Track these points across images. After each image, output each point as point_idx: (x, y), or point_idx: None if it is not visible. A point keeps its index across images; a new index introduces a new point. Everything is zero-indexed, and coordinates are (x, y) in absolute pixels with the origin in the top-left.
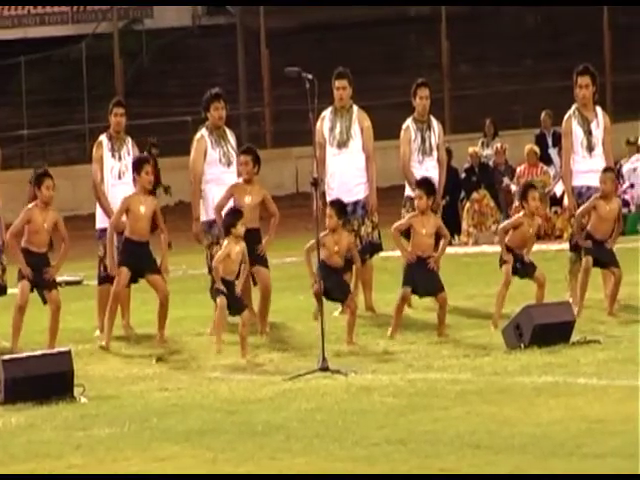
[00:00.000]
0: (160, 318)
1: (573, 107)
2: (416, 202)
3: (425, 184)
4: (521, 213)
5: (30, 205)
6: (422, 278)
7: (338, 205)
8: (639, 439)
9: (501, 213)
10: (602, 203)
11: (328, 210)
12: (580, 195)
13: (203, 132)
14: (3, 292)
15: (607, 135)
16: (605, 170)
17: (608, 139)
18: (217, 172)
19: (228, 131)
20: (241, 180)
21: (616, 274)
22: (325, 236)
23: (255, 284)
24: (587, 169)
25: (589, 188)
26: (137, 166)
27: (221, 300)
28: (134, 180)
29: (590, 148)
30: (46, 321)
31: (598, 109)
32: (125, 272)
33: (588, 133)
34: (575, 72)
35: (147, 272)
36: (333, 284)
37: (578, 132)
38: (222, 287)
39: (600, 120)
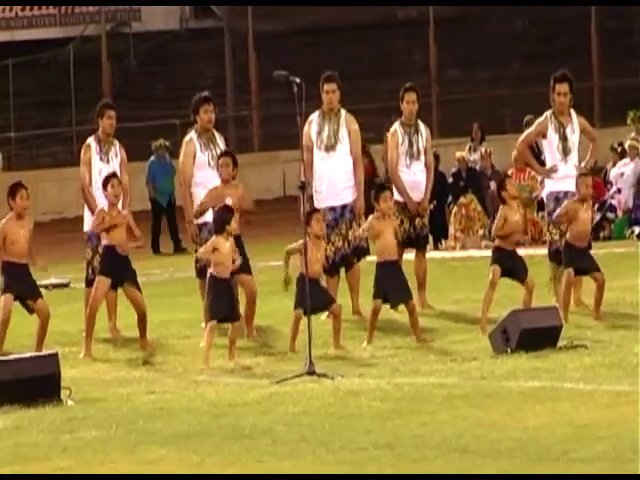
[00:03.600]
0: (140, 328)
1: (549, 112)
2: (381, 205)
3: (387, 187)
4: (501, 207)
5: (4, 220)
6: (392, 287)
7: (321, 212)
8: (625, 443)
9: (488, 218)
10: (580, 207)
11: (317, 215)
12: (557, 200)
13: (192, 135)
14: None
15: (586, 129)
16: (582, 175)
17: (588, 129)
18: (206, 175)
19: (217, 134)
20: (218, 183)
21: (599, 279)
22: (308, 243)
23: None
24: (563, 175)
25: (566, 193)
26: (104, 183)
27: (212, 324)
28: (105, 196)
29: (565, 153)
30: (32, 325)
31: (572, 113)
32: (104, 282)
33: (563, 138)
34: (553, 78)
35: (126, 283)
36: (315, 296)
37: (553, 137)
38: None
39: (575, 125)
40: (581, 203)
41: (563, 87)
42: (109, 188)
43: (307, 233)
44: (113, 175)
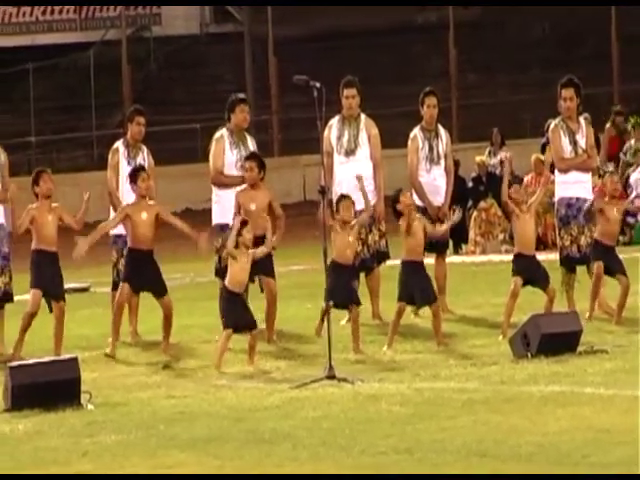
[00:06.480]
0: (165, 329)
1: (558, 119)
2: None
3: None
4: (513, 220)
5: (32, 205)
6: (417, 288)
7: (351, 199)
8: None
9: (508, 222)
10: (609, 206)
11: (344, 202)
12: (569, 206)
13: (223, 132)
14: (10, 299)
15: (588, 141)
16: (611, 172)
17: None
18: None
19: (249, 136)
20: (246, 186)
21: (623, 282)
22: (336, 231)
23: (262, 291)
24: (575, 180)
25: (578, 199)
26: (133, 176)
27: (227, 332)
28: (133, 190)
29: None
30: (52, 328)
31: (581, 119)
32: (126, 288)
33: (574, 143)
34: (559, 84)
35: (152, 293)
36: (342, 286)
37: (565, 143)
38: (231, 302)
39: (584, 131)
40: (611, 201)
41: (568, 92)
42: (139, 182)
43: (335, 219)
44: (142, 168)
